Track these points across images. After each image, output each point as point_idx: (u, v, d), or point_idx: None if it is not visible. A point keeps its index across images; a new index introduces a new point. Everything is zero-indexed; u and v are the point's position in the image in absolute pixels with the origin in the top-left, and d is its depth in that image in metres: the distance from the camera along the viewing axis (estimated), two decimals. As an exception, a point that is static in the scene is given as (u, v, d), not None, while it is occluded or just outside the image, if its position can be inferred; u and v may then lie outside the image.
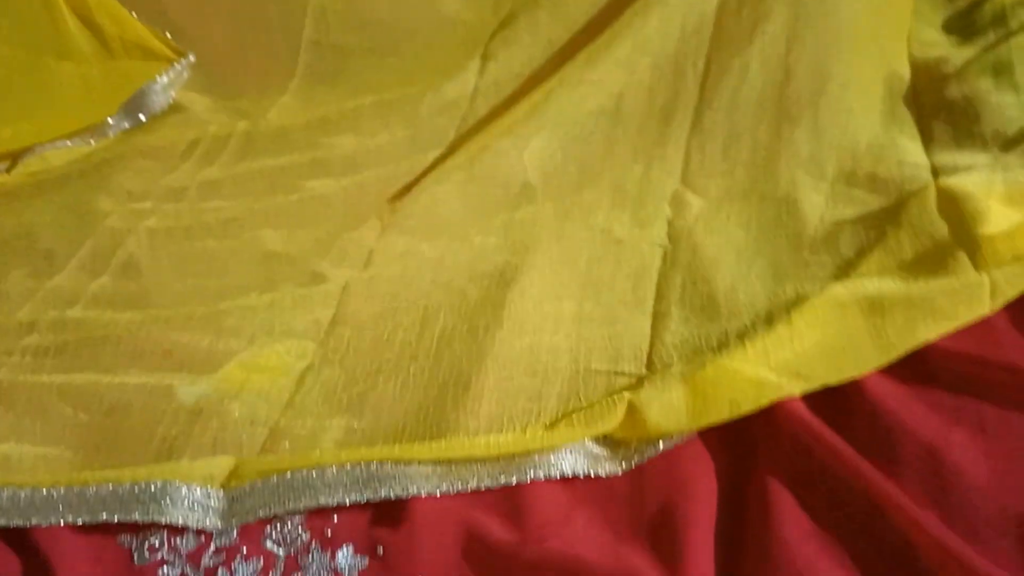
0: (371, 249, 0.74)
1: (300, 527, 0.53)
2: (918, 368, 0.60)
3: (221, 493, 0.53)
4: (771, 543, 0.51)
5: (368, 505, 0.55)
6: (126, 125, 0.92)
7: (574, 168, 0.81)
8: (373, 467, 0.54)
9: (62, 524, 0.51)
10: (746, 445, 0.59)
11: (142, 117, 0.92)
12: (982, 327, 0.62)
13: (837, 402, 0.60)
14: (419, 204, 0.79)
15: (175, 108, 0.92)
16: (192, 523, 0.52)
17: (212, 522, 0.52)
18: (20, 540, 0.51)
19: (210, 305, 0.68)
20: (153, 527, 0.52)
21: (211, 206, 0.80)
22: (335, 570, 0.51)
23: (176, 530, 0.52)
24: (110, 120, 0.92)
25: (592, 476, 0.57)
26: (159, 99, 0.93)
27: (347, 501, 0.53)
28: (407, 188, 0.81)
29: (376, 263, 0.73)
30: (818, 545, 0.52)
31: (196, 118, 0.91)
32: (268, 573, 0.51)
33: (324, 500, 0.53)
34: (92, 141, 0.90)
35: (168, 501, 0.52)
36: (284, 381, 0.62)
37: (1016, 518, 0.51)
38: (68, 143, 0.89)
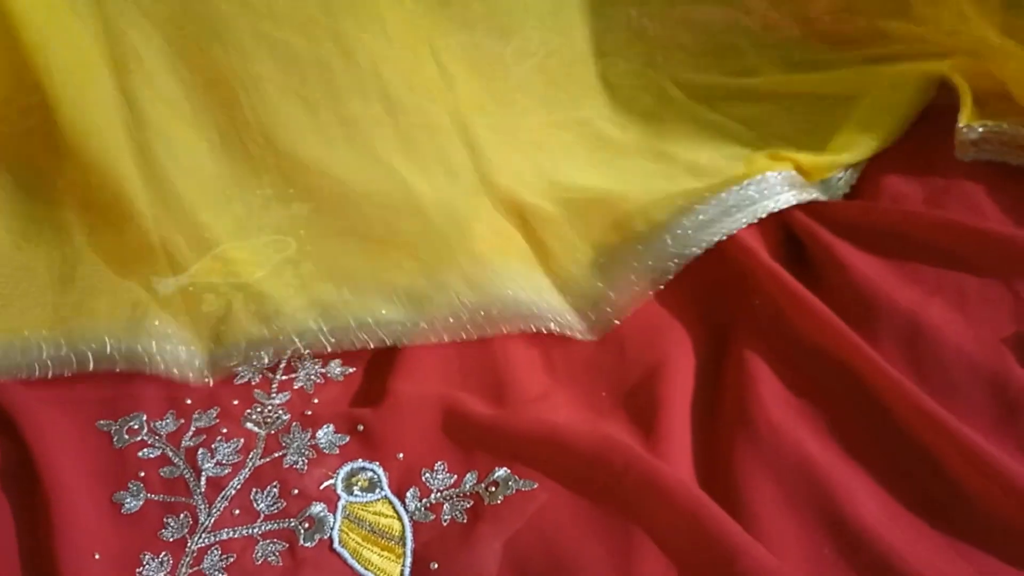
0: None
1: (280, 409, 0.54)
2: (900, 242, 0.60)
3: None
4: (746, 410, 0.52)
5: (349, 387, 0.55)
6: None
7: None
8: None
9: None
10: (724, 318, 0.59)
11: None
12: (964, 201, 0.62)
13: (816, 273, 0.60)
14: None
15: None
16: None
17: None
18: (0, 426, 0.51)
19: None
20: (132, 410, 0.52)
21: None
22: (316, 447, 0.52)
23: (155, 412, 0.52)
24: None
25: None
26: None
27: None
28: None
29: None
30: (793, 410, 0.52)
31: None
32: (249, 452, 0.51)
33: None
34: None
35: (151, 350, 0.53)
36: (260, 273, 0.62)
37: (989, 374, 0.52)
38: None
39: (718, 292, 0.62)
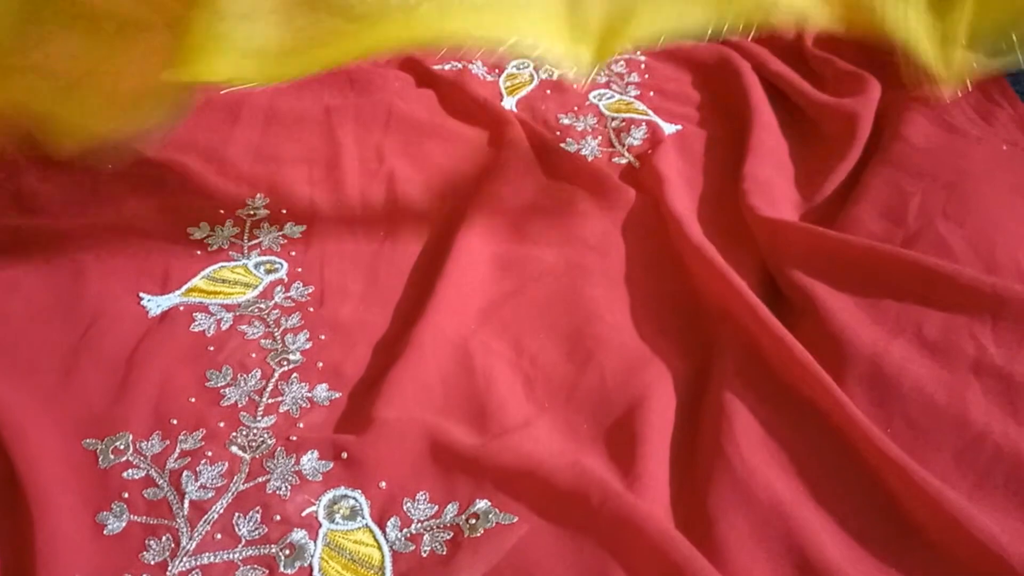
0: None
1: (266, 432, 0.54)
2: (868, 279, 0.61)
3: None
4: (722, 449, 0.53)
5: (334, 412, 0.56)
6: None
7: None
8: None
9: None
10: (704, 354, 0.61)
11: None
12: (935, 243, 0.64)
13: (790, 306, 0.62)
14: None
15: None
16: None
17: None
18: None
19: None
20: (119, 429, 0.53)
21: None
22: (299, 473, 0.52)
23: (141, 432, 0.53)
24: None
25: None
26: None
27: None
28: None
29: None
30: (767, 451, 0.53)
31: None
32: (233, 476, 0.52)
33: None
34: None
35: None
36: (251, 294, 0.63)
37: (949, 415, 0.53)
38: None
39: (698, 326, 0.63)
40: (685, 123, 0.82)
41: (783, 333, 0.58)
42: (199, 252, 0.66)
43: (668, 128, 0.81)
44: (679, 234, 0.67)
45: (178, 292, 0.62)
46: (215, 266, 0.65)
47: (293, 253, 0.67)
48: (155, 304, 0.61)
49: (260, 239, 0.68)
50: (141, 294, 0.61)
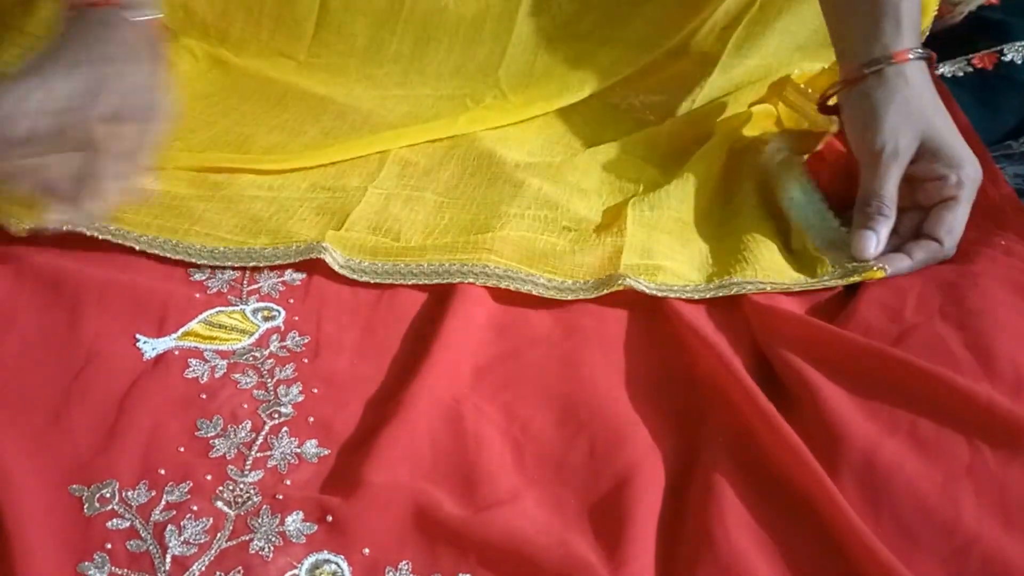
0: None
1: (252, 488, 0.56)
2: (864, 376, 0.63)
3: None
4: (710, 534, 0.54)
5: (321, 470, 0.57)
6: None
7: None
8: None
9: None
10: (695, 430, 0.62)
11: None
12: (932, 342, 0.66)
13: (785, 390, 0.64)
14: None
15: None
16: None
17: None
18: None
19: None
20: (106, 476, 0.54)
21: None
22: (283, 534, 0.54)
23: (128, 481, 0.54)
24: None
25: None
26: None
27: None
28: None
29: None
30: (754, 538, 0.55)
31: None
32: (216, 533, 0.53)
33: None
34: None
35: None
36: (246, 341, 0.65)
37: (939, 518, 0.55)
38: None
39: (692, 402, 0.65)
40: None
41: (776, 418, 0.60)
42: (198, 295, 0.67)
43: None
44: (672, 309, 0.69)
45: (174, 336, 0.64)
46: (212, 310, 0.66)
47: (291, 301, 0.69)
48: (151, 347, 0.62)
49: (260, 284, 0.70)
50: (137, 335, 0.63)
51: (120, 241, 0.69)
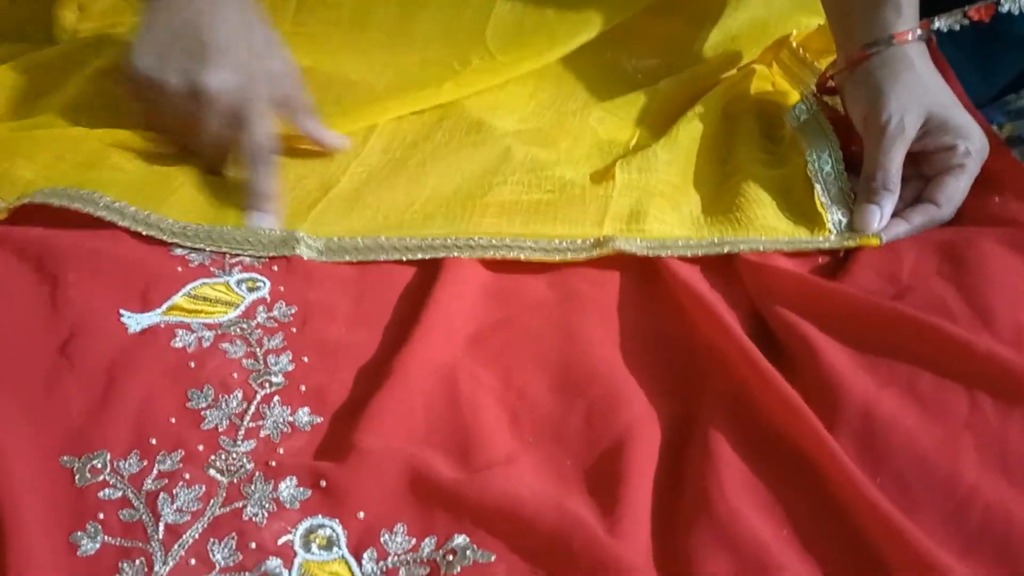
0: None
1: (245, 457, 0.56)
2: (858, 329, 0.64)
3: None
4: (707, 493, 0.55)
5: (314, 438, 0.58)
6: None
7: None
8: None
9: None
10: (692, 391, 0.63)
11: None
12: (930, 300, 0.66)
13: (781, 347, 0.64)
14: None
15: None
16: None
17: None
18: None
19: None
20: (97, 446, 0.54)
21: None
22: (277, 500, 0.54)
23: (120, 451, 0.54)
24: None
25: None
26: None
27: None
28: None
29: None
30: (752, 496, 0.55)
31: None
32: (209, 501, 0.53)
33: None
34: None
35: None
36: (233, 313, 0.65)
37: (939, 470, 0.55)
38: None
39: (689, 364, 0.65)
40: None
41: (774, 376, 0.60)
42: (180, 268, 0.67)
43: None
44: (667, 271, 0.69)
45: (159, 310, 0.63)
46: (196, 283, 0.66)
47: (275, 269, 0.69)
48: (135, 322, 0.62)
49: (242, 256, 0.70)
50: (121, 311, 0.62)
51: (87, 209, 0.68)
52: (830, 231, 0.75)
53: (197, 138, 0.75)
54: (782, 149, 0.86)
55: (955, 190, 0.76)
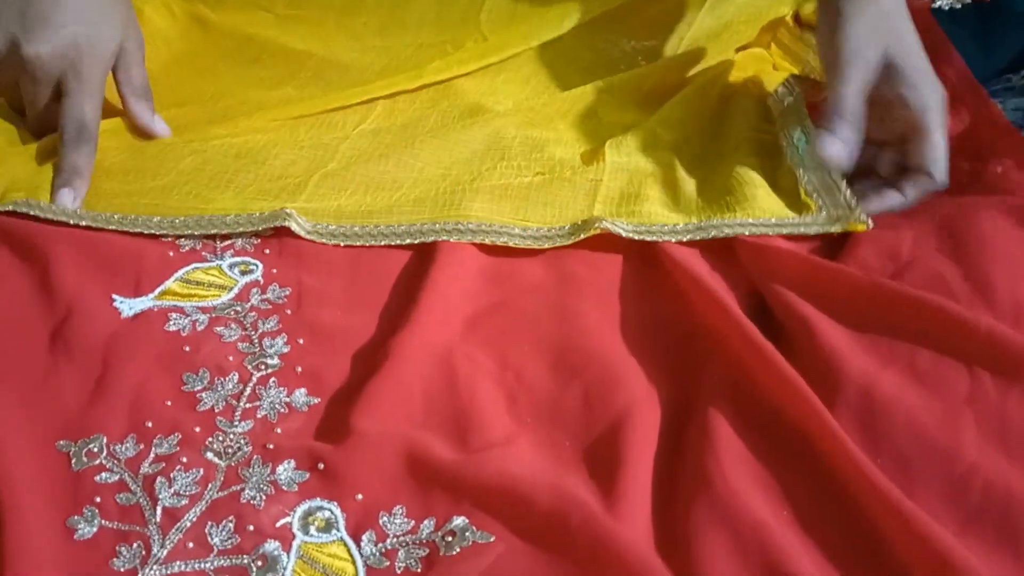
0: None
1: (242, 439, 0.56)
2: (857, 308, 0.63)
3: None
4: (706, 472, 0.55)
5: (312, 419, 0.58)
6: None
7: None
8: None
9: None
10: (691, 372, 0.63)
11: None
12: (929, 277, 0.66)
13: (779, 326, 0.64)
14: None
15: None
16: None
17: None
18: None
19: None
20: (93, 430, 0.54)
21: None
22: (275, 483, 0.54)
23: (116, 435, 0.54)
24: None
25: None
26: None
27: None
28: None
29: None
30: (751, 475, 0.56)
31: None
32: (207, 484, 0.53)
33: None
34: None
35: None
36: (226, 296, 0.65)
37: (939, 448, 0.55)
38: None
39: (687, 344, 0.66)
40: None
41: (773, 355, 0.60)
42: (171, 253, 0.67)
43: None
44: (664, 253, 0.69)
45: (151, 295, 0.63)
46: (188, 268, 0.66)
47: (267, 252, 0.69)
48: (128, 307, 0.62)
49: (233, 239, 0.69)
50: (114, 296, 0.62)
51: (74, 221, 0.68)
52: (816, 213, 0.74)
53: (28, 107, 0.73)
54: (775, 130, 0.86)
55: (933, 153, 0.74)
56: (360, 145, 0.82)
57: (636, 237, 0.71)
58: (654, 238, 0.71)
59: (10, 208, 0.67)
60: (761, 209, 0.73)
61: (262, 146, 0.79)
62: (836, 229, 0.72)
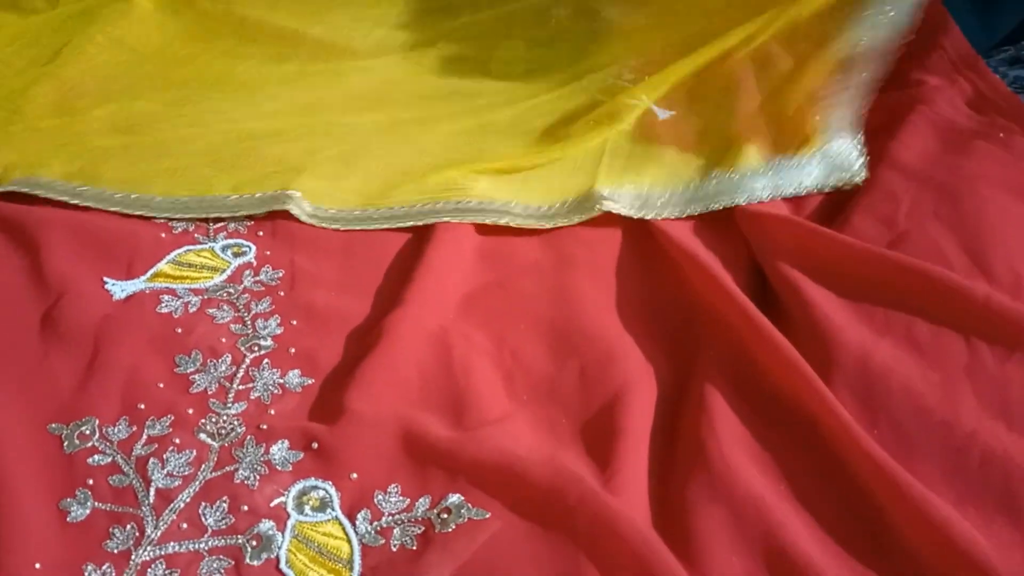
0: None
1: (236, 420, 0.56)
2: (855, 279, 0.63)
3: None
4: (703, 447, 0.55)
5: (306, 399, 0.58)
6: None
7: None
8: None
9: None
10: (686, 347, 0.62)
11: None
12: (927, 246, 0.66)
13: (777, 300, 0.64)
14: None
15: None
16: None
17: None
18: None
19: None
20: (85, 413, 0.54)
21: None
22: (269, 462, 0.54)
23: (108, 417, 0.54)
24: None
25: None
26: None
27: None
28: None
29: None
30: (748, 449, 0.55)
31: None
32: (200, 465, 0.53)
33: None
34: None
35: None
36: (218, 278, 0.64)
37: (937, 418, 0.55)
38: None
39: (683, 321, 0.65)
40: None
41: (770, 330, 0.60)
42: (164, 235, 0.67)
43: (662, 114, 0.82)
44: (661, 232, 0.69)
45: (143, 277, 0.63)
46: (181, 250, 0.66)
47: (260, 233, 0.69)
48: (120, 288, 0.62)
49: (226, 221, 0.69)
50: (105, 278, 0.62)
51: (76, 200, 0.68)
52: (812, 151, 0.73)
53: None
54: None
55: None
56: (362, 127, 0.81)
57: (634, 215, 0.71)
58: (654, 214, 0.70)
59: (11, 188, 0.67)
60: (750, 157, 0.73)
61: (264, 130, 0.79)
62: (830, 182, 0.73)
